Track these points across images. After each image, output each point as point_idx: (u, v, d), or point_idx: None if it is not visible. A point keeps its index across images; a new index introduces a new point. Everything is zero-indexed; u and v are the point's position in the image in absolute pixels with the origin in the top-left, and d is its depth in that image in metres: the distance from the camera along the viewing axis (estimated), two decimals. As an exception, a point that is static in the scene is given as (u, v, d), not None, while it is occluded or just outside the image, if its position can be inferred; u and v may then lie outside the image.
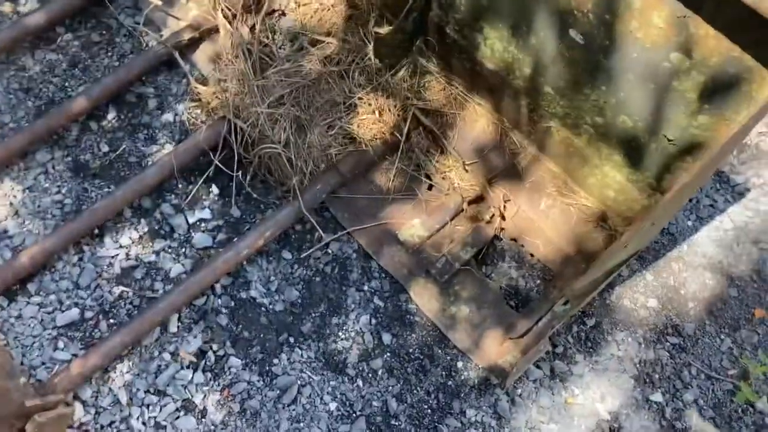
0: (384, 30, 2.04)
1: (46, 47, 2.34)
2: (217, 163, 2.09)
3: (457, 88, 2.16)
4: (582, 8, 1.55)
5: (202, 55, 2.32)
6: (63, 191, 2.12)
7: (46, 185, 2.13)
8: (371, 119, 2.13)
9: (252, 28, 2.29)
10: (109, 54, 2.34)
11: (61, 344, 1.92)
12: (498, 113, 2.11)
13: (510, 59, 1.89)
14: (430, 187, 2.16)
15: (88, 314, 1.97)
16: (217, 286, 2.01)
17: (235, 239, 2.04)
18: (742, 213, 2.29)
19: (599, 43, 1.58)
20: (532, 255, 2.09)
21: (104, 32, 2.37)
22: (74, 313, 1.96)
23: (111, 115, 2.24)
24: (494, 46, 1.91)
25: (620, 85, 1.62)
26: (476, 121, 2.16)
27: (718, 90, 1.40)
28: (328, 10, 2.32)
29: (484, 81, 2.05)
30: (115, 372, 1.88)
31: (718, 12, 1.27)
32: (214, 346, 1.94)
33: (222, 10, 2.27)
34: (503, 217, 2.10)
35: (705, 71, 1.40)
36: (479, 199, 2.12)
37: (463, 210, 2.11)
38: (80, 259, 2.03)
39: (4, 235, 2.05)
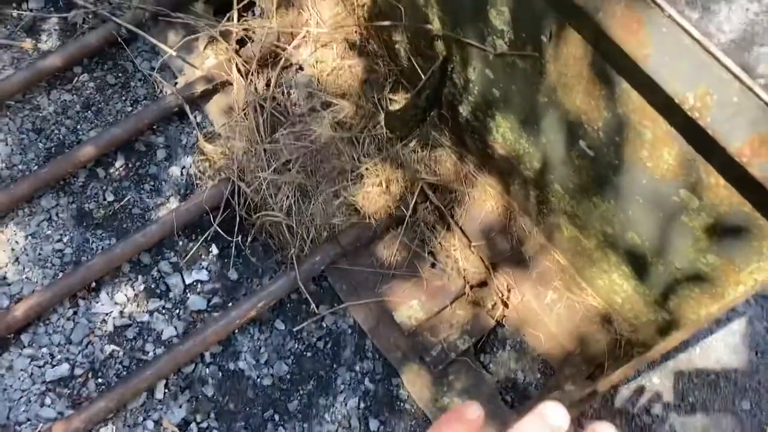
0: (395, 107, 1.97)
1: (62, 87, 2.33)
2: (216, 227, 2.05)
3: (469, 166, 2.08)
4: (592, 124, 1.46)
5: (214, 106, 2.28)
6: (65, 240, 2.12)
7: (49, 232, 2.12)
8: (377, 191, 2.07)
9: (267, 83, 2.25)
10: (123, 98, 2.32)
11: (48, 401, 1.92)
12: (508, 196, 2.02)
13: (521, 150, 1.80)
14: (433, 265, 2.09)
15: (78, 371, 1.97)
16: (207, 354, 1.99)
17: (229, 305, 2.02)
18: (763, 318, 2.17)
19: (608, 161, 1.49)
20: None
21: (120, 75, 2.35)
22: (64, 368, 1.96)
23: (119, 162, 2.23)
24: (505, 134, 1.83)
25: (628, 204, 1.52)
26: (485, 202, 2.08)
27: (728, 236, 1.30)
28: (346, 69, 2.26)
29: (496, 164, 1.97)
30: (97, 437, 1.88)
31: (730, 166, 1.17)
32: (198, 417, 1.92)
33: (237, 64, 2.22)
34: (506, 305, 2.02)
35: (714, 216, 1.30)
36: (482, 284, 2.04)
37: (464, 294, 2.03)
38: (75, 313, 2.02)
39: (3, 281, 2.06)
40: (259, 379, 1.97)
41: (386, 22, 1.99)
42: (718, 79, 1.03)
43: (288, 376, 1.99)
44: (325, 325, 2.05)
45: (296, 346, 2.02)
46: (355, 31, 2.25)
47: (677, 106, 1.11)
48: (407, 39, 2.00)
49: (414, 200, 2.07)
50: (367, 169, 2.08)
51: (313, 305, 2.02)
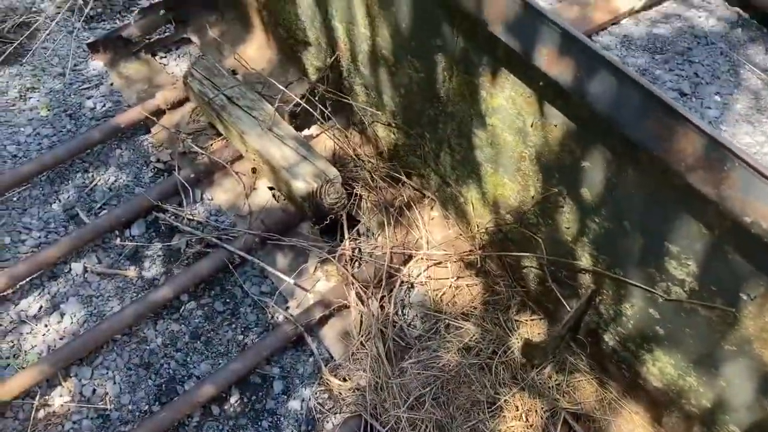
0: (528, 331, 1.92)
1: (168, 317, 2.26)
2: (354, 474, 1.92)
3: (611, 392, 2.00)
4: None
5: (330, 331, 2.21)
6: (182, 491, 1.96)
7: (164, 483, 1.97)
8: (519, 426, 1.96)
9: (382, 305, 2.20)
10: (233, 326, 2.25)
11: None
12: (659, 425, 1.93)
13: (685, 386, 1.73)
14: (582, 502, 1.95)
15: None
16: None
17: None
18: None
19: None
20: None
21: (229, 301, 2.30)
22: None
23: (234, 398, 2.11)
24: (666, 370, 1.76)
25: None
26: (633, 431, 1.97)
27: None
28: (464, 289, 2.23)
29: (647, 394, 1.89)
30: None
31: None
32: None
33: (356, 288, 2.18)
34: None
35: None
36: None
37: None
38: None
39: None
40: None
41: (524, 254, 1.98)
42: None
43: None
44: None
45: None
46: (471, 250, 2.25)
47: None
48: (540, 266, 1.99)
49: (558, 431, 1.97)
50: (505, 401, 1.99)
51: None
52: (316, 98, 2.37)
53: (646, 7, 3.08)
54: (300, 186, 2.22)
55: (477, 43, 1.64)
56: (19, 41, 2.96)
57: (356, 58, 2.22)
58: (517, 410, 1.99)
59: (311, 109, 2.38)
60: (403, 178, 2.38)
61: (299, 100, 2.38)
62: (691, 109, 2.76)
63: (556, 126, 1.58)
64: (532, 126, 1.66)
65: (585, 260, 1.79)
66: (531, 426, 1.98)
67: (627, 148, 1.43)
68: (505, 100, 1.69)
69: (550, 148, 1.65)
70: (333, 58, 2.33)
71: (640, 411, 1.96)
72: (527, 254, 1.97)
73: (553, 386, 2.03)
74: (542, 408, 2.00)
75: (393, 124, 2.27)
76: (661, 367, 1.77)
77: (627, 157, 1.45)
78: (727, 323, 1.49)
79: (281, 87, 2.43)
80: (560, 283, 1.95)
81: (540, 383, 2.03)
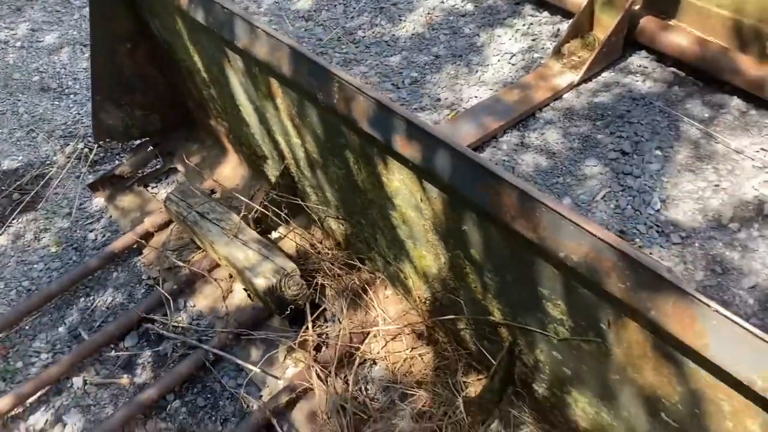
0: (469, 390, 2.05)
1: (157, 416, 2.49)
2: None
3: (557, 441, 2.09)
4: (669, 399, 1.51)
5: (299, 413, 2.38)
6: None
7: None
8: (469, 482, 2.07)
9: (346, 382, 2.37)
10: (213, 418, 2.46)
11: None
12: (603, 468, 1.99)
13: (604, 423, 1.83)
14: None
15: None
16: None
17: None
18: None
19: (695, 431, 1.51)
20: None
21: (209, 396, 2.52)
22: None
23: (214, 485, 2.29)
24: (585, 408, 1.87)
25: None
26: (581, 476, 2.04)
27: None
28: (417, 359, 2.39)
29: (584, 437, 1.98)
30: None
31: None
32: None
33: (316, 370, 2.37)
34: None
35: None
36: None
37: None
38: None
39: None
40: None
41: (449, 317, 2.16)
42: (780, 363, 1.11)
43: None
44: None
45: None
46: (422, 323, 2.42)
47: (749, 387, 1.18)
48: (471, 327, 2.15)
49: (507, 484, 2.05)
50: (455, 459, 2.10)
51: None
52: (274, 204, 2.66)
53: (584, 80, 3.32)
54: (260, 283, 2.47)
55: (364, 138, 1.91)
56: (35, 191, 3.42)
57: (299, 163, 2.52)
58: (468, 468, 2.09)
59: (270, 214, 2.66)
60: (357, 263, 2.60)
61: (259, 207, 2.68)
62: (632, 166, 2.93)
63: (435, 198, 1.81)
64: (421, 201, 1.89)
65: (496, 314, 1.96)
66: (482, 482, 2.07)
67: (480, 209, 1.63)
68: (400, 182, 1.93)
69: (439, 218, 1.87)
70: (283, 166, 2.63)
71: (584, 455, 2.04)
72: (453, 317, 2.14)
73: (501, 442, 2.13)
74: (492, 463, 2.10)
75: (339, 217, 2.53)
76: (582, 408, 1.88)
77: (484, 217, 1.65)
78: (603, 354, 1.62)
79: (243, 198, 2.75)
80: (489, 340, 2.10)
81: (488, 439, 2.14)
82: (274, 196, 2.66)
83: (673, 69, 3.35)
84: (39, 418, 2.54)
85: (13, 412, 2.55)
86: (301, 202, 2.63)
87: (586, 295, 1.52)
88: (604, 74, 3.38)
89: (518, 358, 2.02)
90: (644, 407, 1.62)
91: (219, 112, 2.92)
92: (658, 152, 2.98)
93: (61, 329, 2.81)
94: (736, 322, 1.15)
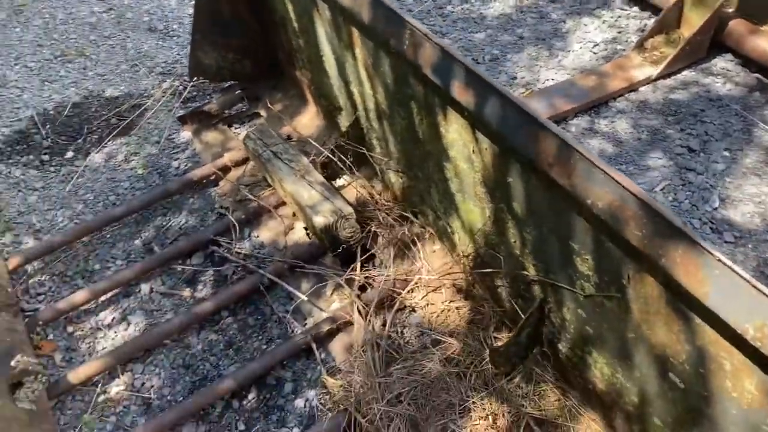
0: (498, 344, 2.17)
1: (210, 328, 2.72)
2: (333, 458, 2.21)
3: (572, 401, 2.18)
4: (677, 357, 1.58)
5: (337, 344, 2.56)
6: (199, 466, 2.34)
7: (186, 459, 2.36)
8: (484, 425, 2.18)
9: (384, 323, 2.53)
10: (260, 337, 2.67)
11: None
12: (612, 430, 2.07)
13: (618, 385, 1.91)
14: (541, 502, 2.11)
15: None
16: None
17: None
18: None
19: (698, 392, 1.58)
20: None
21: (259, 317, 2.72)
22: None
23: (251, 395, 2.49)
24: (603, 369, 1.95)
25: (726, 437, 1.57)
26: (591, 437, 2.13)
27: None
28: (454, 311, 2.52)
29: (598, 399, 2.06)
30: None
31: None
32: None
33: (358, 307, 2.54)
34: None
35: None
36: None
37: None
38: None
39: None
40: None
41: (488, 270, 2.27)
42: (772, 313, 1.19)
43: None
44: None
45: None
46: (462, 278, 2.55)
47: (742, 336, 1.25)
48: (507, 284, 2.26)
49: (520, 434, 2.16)
50: (474, 403, 2.23)
51: None
52: (342, 152, 2.83)
53: (663, 76, 3.33)
54: (319, 220, 2.66)
55: (428, 87, 2.05)
56: (131, 118, 3.72)
57: (369, 115, 2.68)
58: (485, 412, 2.21)
59: (336, 161, 2.84)
60: (410, 216, 2.75)
61: (327, 153, 2.86)
62: (697, 162, 2.95)
63: (486, 149, 1.93)
64: (473, 152, 2.01)
65: (531, 270, 2.06)
66: (496, 428, 2.19)
67: (526, 162, 1.75)
68: (455, 133, 2.06)
69: (487, 170, 1.99)
70: (354, 117, 2.80)
71: (596, 417, 2.12)
72: (492, 270, 2.26)
73: (520, 394, 2.24)
74: (508, 412, 2.21)
75: (399, 170, 2.68)
76: (601, 368, 1.97)
77: (527, 167, 1.76)
78: (622, 311, 1.71)
79: (314, 143, 2.93)
80: (522, 297, 2.21)
81: (509, 391, 2.25)
82: (343, 144, 2.83)
83: (757, 75, 3.31)
84: (107, 315, 2.82)
85: (85, 306, 2.84)
86: (365, 152, 2.79)
87: (611, 250, 1.61)
88: (684, 72, 3.37)
89: (547, 317, 2.11)
90: (655, 367, 1.70)
91: (304, 63, 3.11)
92: (726, 153, 2.97)
93: (137, 241, 3.09)
94: (736, 272, 1.23)
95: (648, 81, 3.33)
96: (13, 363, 2.35)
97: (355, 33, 2.35)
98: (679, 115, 3.17)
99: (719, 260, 1.25)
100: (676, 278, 1.34)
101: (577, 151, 1.49)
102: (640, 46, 3.42)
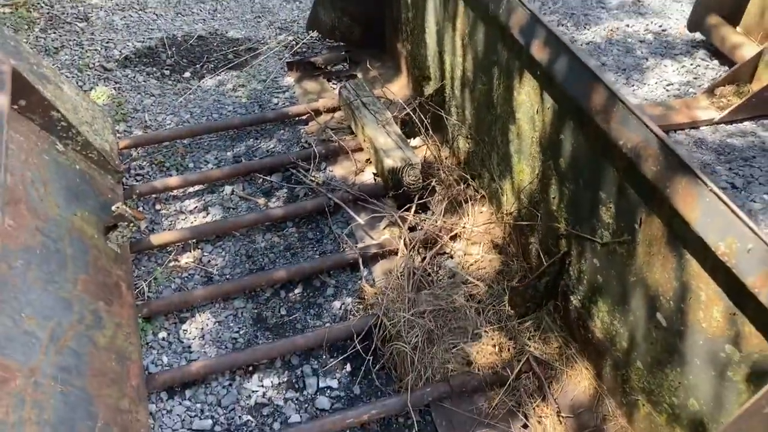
0: (517, 283, 2.49)
1: (274, 232, 3.12)
2: (358, 346, 2.56)
3: (572, 350, 2.47)
4: (666, 295, 1.88)
5: (379, 268, 2.92)
6: (240, 332, 2.72)
7: (231, 324, 2.74)
8: (490, 351, 2.50)
9: (423, 259, 2.88)
10: (315, 249, 3.05)
11: (188, 444, 2.37)
12: (599, 380, 2.36)
13: (613, 332, 2.21)
14: (525, 426, 2.40)
15: (217, 428, 2.42)
16: (319, 442, 2.37)
17: (347, 409, 2.43)
18: None
19: (676, 328, 1.87)
20: None
21: (318, 233, 3.11)
22: (207, 423, 2.42)
23: (298, 290, 2.87)
24: (604, 318, 2.25)
25: (690, 369, 1.86)
26: (580, 382, 2.42)
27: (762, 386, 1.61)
28: (486, 262, 2.85)
29: (594, 348, 2.35)
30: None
31: (757, 313, 1.56)
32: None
33: (405, 239, 2.90)
34: (582, 476, 2.24)
35: (750, 365, 1.63)
36: (564, 451, 2.30)
37: (546, 455, 2.30)
38: (230, 384, 2.54)
39: (187, 349, 2.65)
40: (354, 475, 2.30)
41: (525, 223, 2.61)
42: (740, 233, 1.50)
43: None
44: (421, 451, 2.37)
45: (393, 459, 2.35)
46: (500, 236, 2.88)
47: (720, 263, 1.56)
48: (539, 239, 2.58)
49: (519, 367, 2.47)
50: (485, 332, 2.55)
51: (416, 430, 2.38)
52: (422, 112, 3.23)
53: (724, 121, 3.61)
54: (388, 162, 3.04)
55: (512, 53, 2.42)
56: (245, 57, 4.21)
57: (453, 83, 3.07)
58: (492, 342, 2.53)
59: (415, 119, 3.23)
60: (469, 180, 3.10)
61: (409, 111, 3.26)
62: (736, 198, 3.21)
63: (548, 108, 2.28)
64: (537, 113, 2.37)
65: (561, 224, 2.39)
66: (500, 356, 2.50)
67: (578, 115, 2.09)
68: (525, 95, 2.42)
69: (546, 129, 2.34)
70: (440, 85, 3.19)
71: (589, 366, 2.41)
72: (528, 223, 2.59)
73: (527, 336, 2.55)
74: (513, 347, 2.52)
75: (469, 136, 3.05)
76: (602, 317, 2.27)
77: (578, 123, 2.10)
78: (630, 255, 2.02)
79: (400, 101, 3.34)
80: (549, 253, 2.53)
81: (518, 330, 2.56)
82: (424, 104, 3.22)
83: (815, 139, 3.56)
84: (191, 203, 3.26)
85: (175, 192, 3.29)
86: (443, 114, 3.17)
87: (630, 195, 1.93)
88: (746, 123, 3.64)
89: (566, 270, 2.43)
90: (646, 308, 2.00)
91: (407, 35, 3.53)
92: (765, 196, 3.23)
93: (228, 153, 3.54)
94: (722, 199, 1.54)
95: (710, 123, 3.62)
96: (113, 207, 2.80)
97: (461, 4, 2.75)
98: (731, 156, 3.44)
99: (710, 190, 1.57)
100: (675, 205, 1.66)
101: (620, 100, 1.83)
102: (710, 91, 3.71)
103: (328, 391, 2.54)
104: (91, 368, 2.23)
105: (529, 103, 2.41)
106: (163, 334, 2.70)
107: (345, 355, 2.61)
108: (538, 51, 2.15)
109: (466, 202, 3.06)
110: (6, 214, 2.24)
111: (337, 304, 2.82)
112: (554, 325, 2.56)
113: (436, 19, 3.07)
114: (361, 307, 2.78)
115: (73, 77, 4.00)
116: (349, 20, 3.85)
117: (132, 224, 2.82)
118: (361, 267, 2.88)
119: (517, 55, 2.38)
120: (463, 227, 2.95)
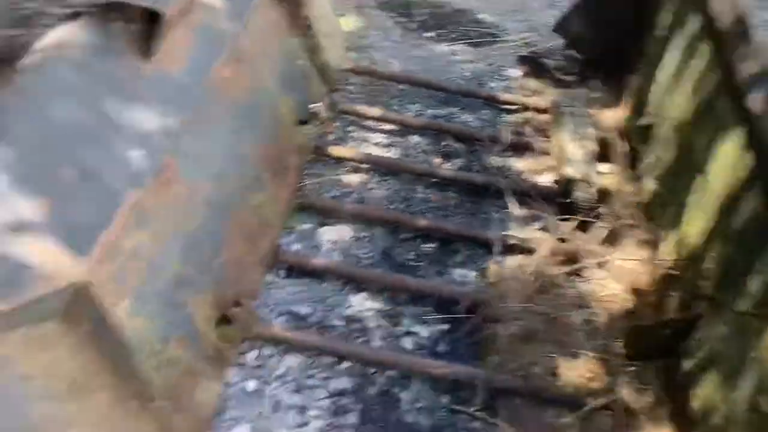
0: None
1: (436, 189, 3.26)
2: (462, 313, 2.64)
3: (662, 410, 2.35)
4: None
5: (513, 260, 2.93)
6: (367, 255, 2.91)
7: (365, 244, 2.94)
8: (582, 374, 2.46)
9: (559, 271, 2.87)
10: (464, 219, 3.14)
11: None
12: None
13: (711, 406, 2.08)
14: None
15: (311, 319, 2.63)
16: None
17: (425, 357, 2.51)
18: None
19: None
20: None
21: (473, 208, 3.20)
22: (305, 311, 2.64)
23: (433, 244, 2.98)
24: (707, 389, 2.12)
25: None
26: None
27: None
28: (620, 299, 2.78)
29: (686, 417, 2.22)
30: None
31: None
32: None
33: (551, 245, 2.90)
34: None
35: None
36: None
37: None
38: (340, 290, 2.73)
39: (317, 248, 2.89)
40: None
41: (674, 272, 2.51)
42: None
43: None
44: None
45: None
46: (644, 281, 2.79)
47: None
48: (680, 294, 2.47)
49: (604, 403, 2.38)
50: (586, 356, 2.50)
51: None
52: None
53: None
54: (570, 170, 3.05)
55: (729, 100, 2.34)
56: (485, 40, 4.39)
57: (665, 124, 3.00)
58: (588, 368, 2.48)
59: (611, 142, 3.20)
60: (642, 220, 3.02)
61: (611, 134, 3.23)
62: None
63: (743, 167, 2.18)
64: (731, 168, 2.27)
65: (708, 285, 2.28)
66: (589, 386, 2.44)
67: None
68: (727, 148, 2.33)
69: (733, 187, 2.24)
70: (652, 122, 3.13)
71: (672, 433, 2.29)
72: (678, 274, 2.49)
73: (626, 379, 2.45)
74: (607, 382, 2.45)
75: (657, 176, 2.97)
76: (705, 388, 2.14)
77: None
78: (760, 330, 1.89)
79: (603, 120, 3.32)
80: (684, 311, 2.42)
81: (619, 370, 2.48)
82: (629, 134, 3.18)
83: None
84: (378, 137, 3.52)
85: (369, 123, 3.56)
86: (644, 149, 3.11)
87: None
88: None
89: (693, 331, 2.31)
90: (753, 390, 1.87)
91: (642, 67, 3.47)
92: None
93: (430, 111, 3.75)
94: None
95: None
96: (312, 105, 3.11)
97: (705, 47, 2.68)
98: None
99: None
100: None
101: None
102: None
103: (416, 337, 2.65)
104: (233, 216, 2.51)
105: (725, 158, 2.31)
106: (304, 226, 2.96)
107: (446, 315, 2.70)
108: (757, 104, 2.06)
109: (625, 236, 2.98)
110: (228, 66, 2.59)
111: (461, 271, 2.91)
112: (656, 381, 2.44)
113: (674, 55, 3.01)
114: (481, 283, 2.84)
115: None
116: (591, 36, 3.86)
117: (322, 126, 3.11)
118: (497, 250, 2.93)
119: (733, 104, 2.29)
120: (612, 260, 2.89)
